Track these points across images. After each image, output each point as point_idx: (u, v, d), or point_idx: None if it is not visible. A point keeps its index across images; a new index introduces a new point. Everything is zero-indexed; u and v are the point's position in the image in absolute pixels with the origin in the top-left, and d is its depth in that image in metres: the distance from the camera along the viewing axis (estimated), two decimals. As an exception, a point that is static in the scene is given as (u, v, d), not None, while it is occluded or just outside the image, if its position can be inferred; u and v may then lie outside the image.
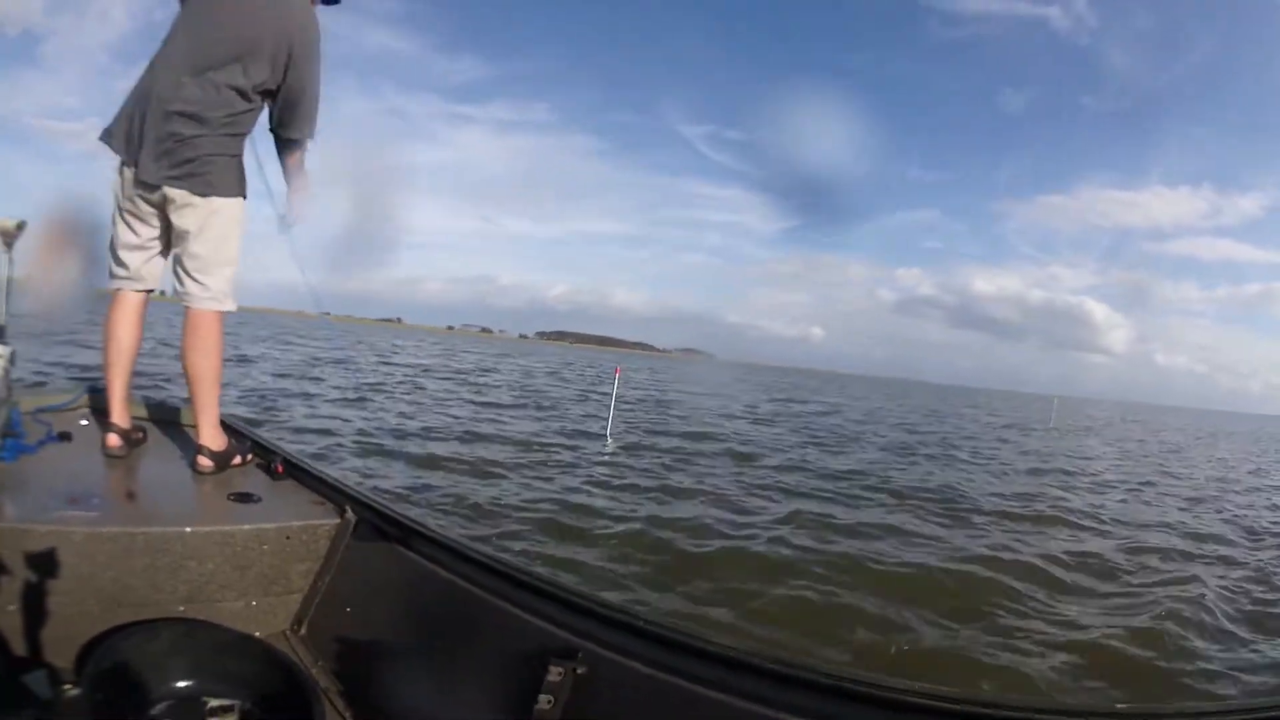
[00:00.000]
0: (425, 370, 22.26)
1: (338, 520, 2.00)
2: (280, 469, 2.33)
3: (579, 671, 1.26)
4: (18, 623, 1.54)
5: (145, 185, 2.27)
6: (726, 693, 1.13)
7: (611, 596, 1.45)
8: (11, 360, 2.18)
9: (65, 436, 2.36)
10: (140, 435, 2.50)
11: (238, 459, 2.40)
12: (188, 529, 1.79)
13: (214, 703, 1.50)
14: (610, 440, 10.46)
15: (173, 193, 2.27)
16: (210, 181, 2.28)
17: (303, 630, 1.90)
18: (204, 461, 2.30)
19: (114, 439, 2.38)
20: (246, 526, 1.87)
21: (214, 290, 2.34)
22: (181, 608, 1.74)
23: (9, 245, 2.24)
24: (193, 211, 2.29)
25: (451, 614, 1.64)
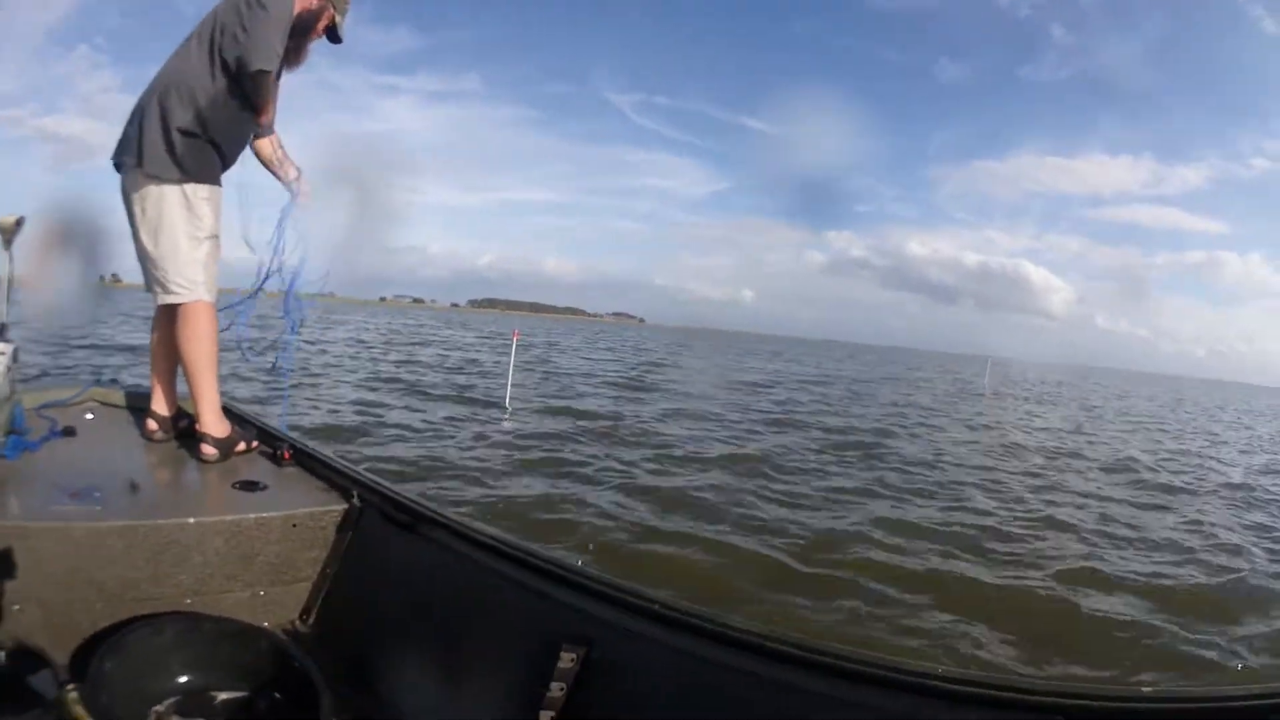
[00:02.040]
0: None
1: (345, 506, 1.96)
2: (287, 455, 2.29)
3: (591, 656, 1.23)
4: (21, 621, 1.52)
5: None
6: (743, 676, 1.11)
7: (622, 579, 1.42)
8: (14, 357, 2.19)
9: (69, 432, 2.32)
10: (184, 423, 2.45)
11: (242, 446, 2.36)
12: (191, 520, 1.75)
13: (222, 696, 1.48)
14: (509, 408, 9.80)
15: (123, 178, 2.27)
16: (147, 163, 2.21)
17: (311, 619, 1.87)
18: (207, 450, 2.27)
19: (151, 424, 2.44)
20: (252, 515, 1.83)
21: (175, 284, 2.27)
22: (188, 600, 1.71)
23: (8, 242, 2.22)
24: (136, 198, 2.26)
25: (461, 599, 1.62)
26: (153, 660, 1.44)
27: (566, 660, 1.23)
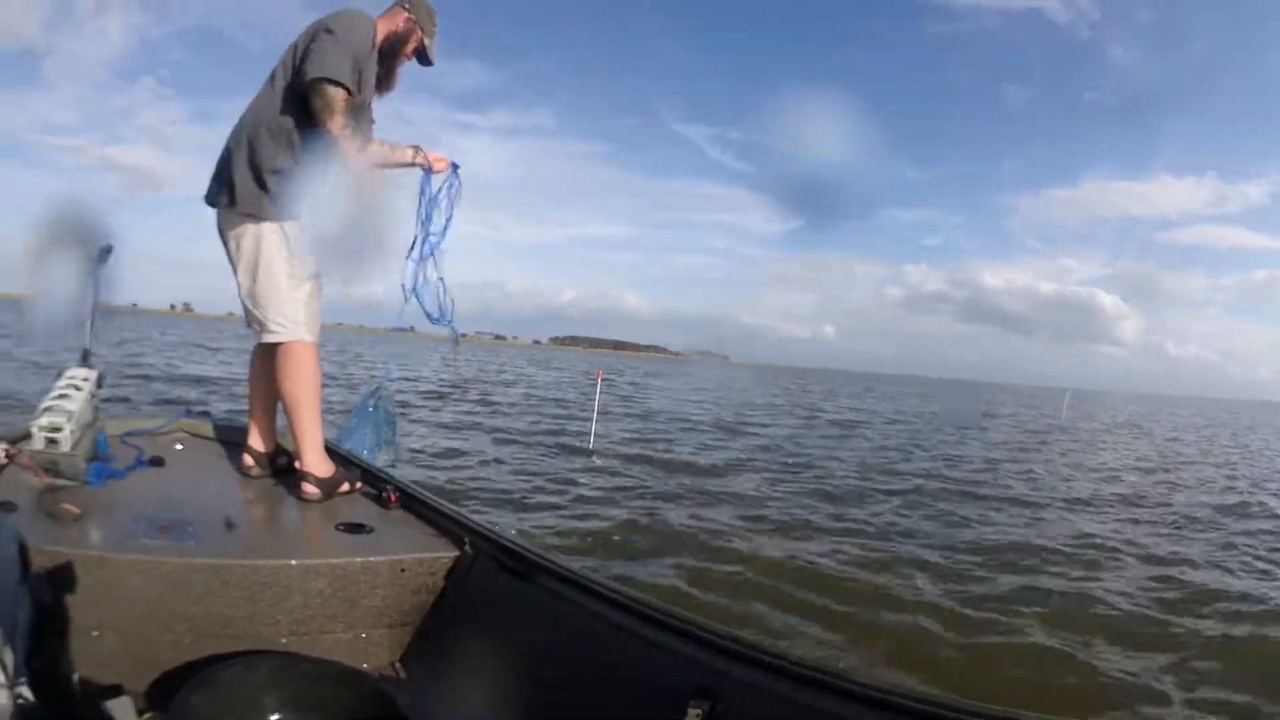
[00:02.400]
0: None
1: (456, 553, 1.88)
2: (393, 498, 2.18)
3: (716, 711, 1.17)
4: (101, 649, 1.48)
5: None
6: None
7: (746, 632, 1.35)
8: (99, 383, 2.13)
9: (158, 462, 2.27)
10: (283, 460, 2.40)
11: (345, 486, 2.27)
12: (293, 561, 1.70)
13: None
14: (595, 455, 9.02)
15: (218, 215, 2.23)
16: (240, 203, 2.17)
17: (414, 666, 1.78)
18: (309, 489, 2.18)
19: (248, 459, 2.39)
20: (359, 559, 1.76)
21: (275, 322, 2.21)
22: (284, 639, 1.65)
23: (96, 268, 2.19)
24: (231, 236, 2.22)
25: (578, 652, 1.53)
26: (244, 698, 1.36)
27: (693, 716, 1.16)
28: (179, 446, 2.56)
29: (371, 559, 1.77)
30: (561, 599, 1.61)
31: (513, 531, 1.98)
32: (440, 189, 2.46)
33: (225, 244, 2.25)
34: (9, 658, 0.95)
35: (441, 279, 2.44)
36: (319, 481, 2.20)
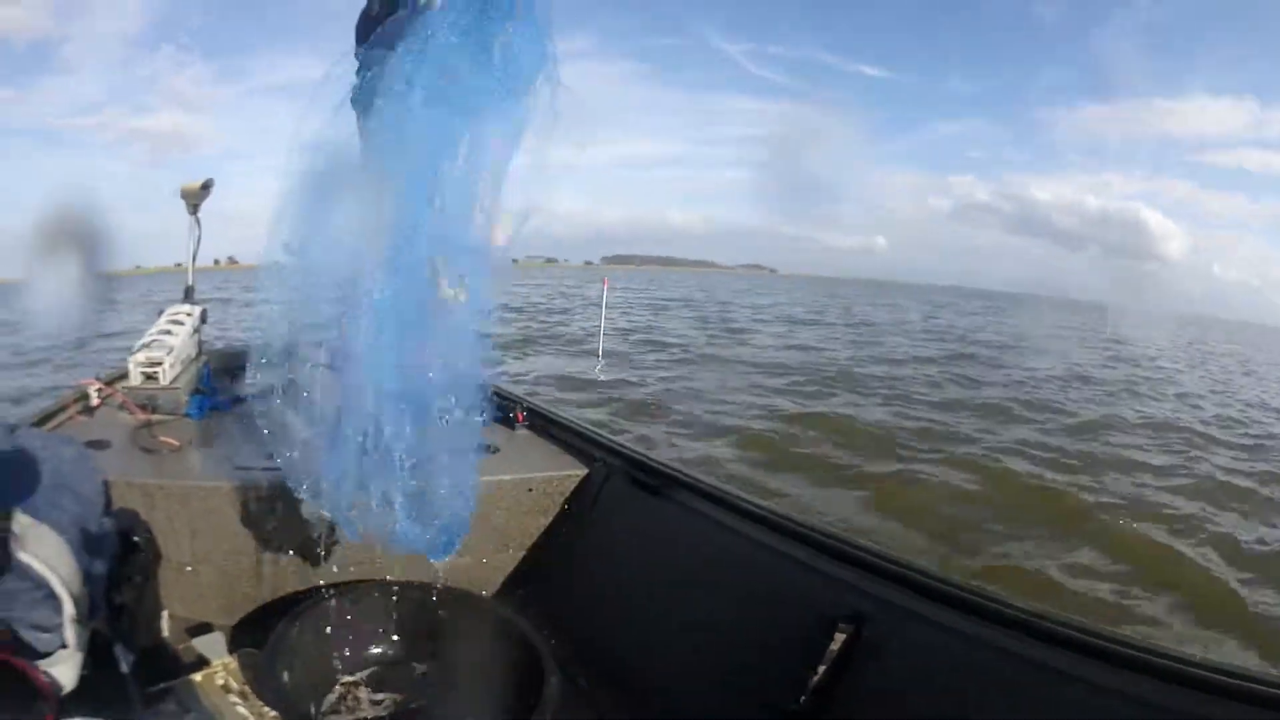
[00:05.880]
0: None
1: (585, 471, 1.76)
2: (520, 418, 2.08)
3: (861, 634, 1.08)
4: (194, 584, 1.44)
5: None
6: (1030, 665, 0.95)
7: (897, 554, 1.22)
8: (202, 318, 2.17)
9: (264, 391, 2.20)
10: None
11: None
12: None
13: (423, 668, 1.35)
14: (601, 362, 8.77)
15: None
16: None
17: (538, 588, 1.69)
18: None
19: None
20: (484, 479, 1.62)
21: None
22: (396, 569, 1.53)
23: (195, 207, 2.21)
24: None
25: (717, 571, 1.40)
26: (349, 627, 1.31)
27: (839, 641, 1.09)
28: (290, 376, 2.48)
29: (498, 478, 1.67)
30: (699, 515, 1.50)
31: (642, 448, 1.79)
32: None
33: None
34: (84, 595, 0.91)
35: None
36: None
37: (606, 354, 9.16)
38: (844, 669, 1.07)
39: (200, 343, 2.17)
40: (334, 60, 1.11)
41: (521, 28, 1.01)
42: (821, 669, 1.08)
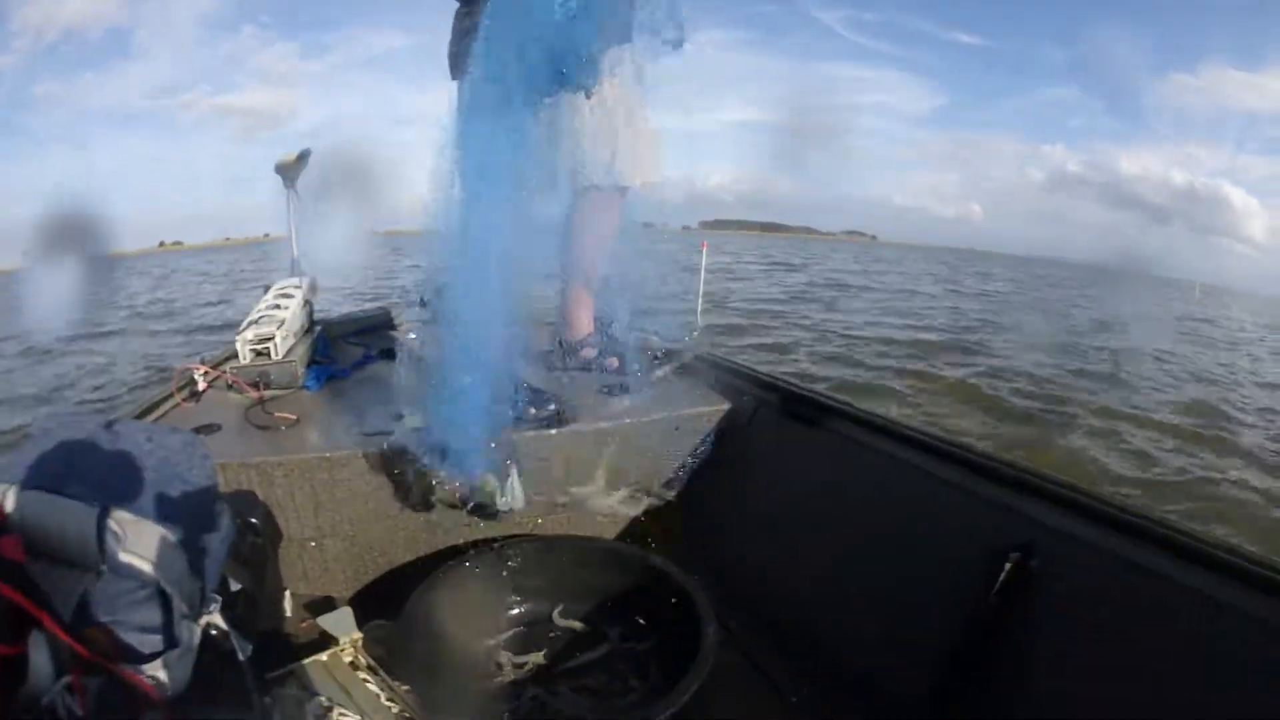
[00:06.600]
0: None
1: (733, 405, 1.67)
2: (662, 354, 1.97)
3: (1028, 563, 1.04)
4: (318, 560, 1.42)
5: None
6: (1212, 602, 0.87)
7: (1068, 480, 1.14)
8: (312, 289, 2.14)
9: (388, 354, 2.08)
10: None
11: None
12: (552, 431, 1.50)
13: (575, 624, 1.29)
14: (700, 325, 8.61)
15: None
16: None
17: (689, 529, 1.62)
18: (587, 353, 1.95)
19: None
20: (628, 421, 1.57)
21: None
22: (539, 520, 1.50)
23: (293, 179, 2.19)
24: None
25: (873, 501, 1.35)
26: (485, 590, 1.29)
27: (1008, 570, 1.05)
28: (413, 336, 2.35)
29: (639, 420, 1.58)
30: (855, 444, 1.42)
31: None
32: None
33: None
34: (195, 589, 0.85)
35: None
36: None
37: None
38: (1013, 600, 1.03)
39: (312, 313, 2.15)
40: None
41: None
42: (993, 597, 1.04)
